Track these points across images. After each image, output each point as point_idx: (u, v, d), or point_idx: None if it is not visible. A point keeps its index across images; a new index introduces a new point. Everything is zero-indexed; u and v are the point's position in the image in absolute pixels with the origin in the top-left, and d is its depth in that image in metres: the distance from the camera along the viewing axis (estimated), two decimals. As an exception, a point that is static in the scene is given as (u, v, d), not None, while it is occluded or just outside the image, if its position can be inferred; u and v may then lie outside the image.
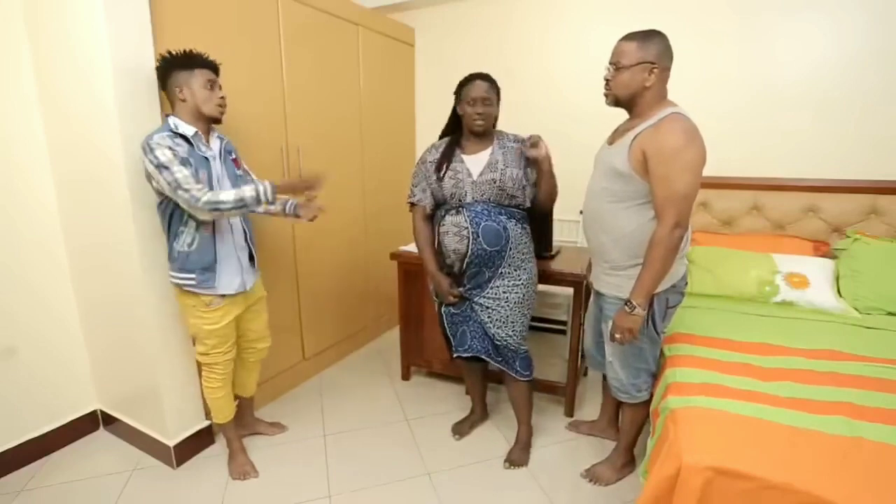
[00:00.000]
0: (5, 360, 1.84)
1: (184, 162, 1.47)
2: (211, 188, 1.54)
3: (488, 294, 1.76)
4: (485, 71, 1.70)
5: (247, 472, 1.85)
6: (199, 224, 1.56)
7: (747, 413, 1.29)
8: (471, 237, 1.68)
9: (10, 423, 1.88)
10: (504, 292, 1.75)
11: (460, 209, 1.70)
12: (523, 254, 1.76)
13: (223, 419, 1.84)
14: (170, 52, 1.53)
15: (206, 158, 1.57)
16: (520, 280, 1.76)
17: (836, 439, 1.18)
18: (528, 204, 1.74)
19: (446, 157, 1.74)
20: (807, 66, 2.35)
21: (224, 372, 1.77)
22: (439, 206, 1.78)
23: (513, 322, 1.78)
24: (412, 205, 1.84)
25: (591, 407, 2.31)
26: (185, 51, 1.54)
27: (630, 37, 1.42)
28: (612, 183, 1.49)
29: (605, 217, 1.54)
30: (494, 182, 1.66)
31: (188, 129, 1.53)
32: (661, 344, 1.75)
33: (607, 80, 1.48)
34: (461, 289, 1.80)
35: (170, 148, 1.46)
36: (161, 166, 1.44)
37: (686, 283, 1.61)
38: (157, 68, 1.55)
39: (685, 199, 1.35)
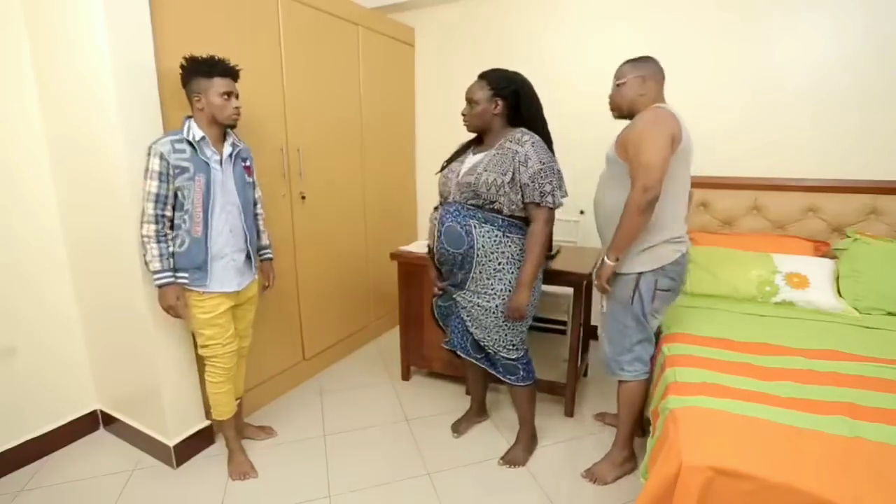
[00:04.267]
0: (5, 360, 1.84)
1: (165, 178, 1.55)
2: (208, 192, 1.61)
3: (465, 296, 1.74)
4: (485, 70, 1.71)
5: (246, 473, 1.86)
6: (189, 227, 1.61)
7: (747, 413, 1.29)
8: (436, 235, 1.72)
9: (10, 423, 1.88)
10: (478, 298, 1.71)
11: (441, 206, 1.74)
12: (500, 263, 1.67)
13: (223, 416, 1.84)
14: (192, 57, 1.59)
15: (207, 164, 1.61)
16: (493, 290, 1.68)
17: (836, 439, 1.18)
18: (507, 211, 1.62)
19: (457, 154, 1.78)
20: (807, 66, 2.35)
21: (225, 366, 1.77)
22: None
23: (486, 329, 1.74)
24: None
25: (590, 407, 2.31)
26: (207, 57, 1.59)
27: (626, 62, 1.68)
28: (610, 168, 1.69)
29: (606, 201, 1.69)
30: (469, 185, 1.64)
31: (197, 134, 1.59)
32: (660, 343, 1.76)
33: (610, 97, 1.70)
34: (446, 283, 1.81)
35: (162, 157, 1.54)
36: (146, 171, 1.55)
37: (677, 272, 1.64)
38: (181, 73, 1.60)
39: (649, 167, 1.47)
